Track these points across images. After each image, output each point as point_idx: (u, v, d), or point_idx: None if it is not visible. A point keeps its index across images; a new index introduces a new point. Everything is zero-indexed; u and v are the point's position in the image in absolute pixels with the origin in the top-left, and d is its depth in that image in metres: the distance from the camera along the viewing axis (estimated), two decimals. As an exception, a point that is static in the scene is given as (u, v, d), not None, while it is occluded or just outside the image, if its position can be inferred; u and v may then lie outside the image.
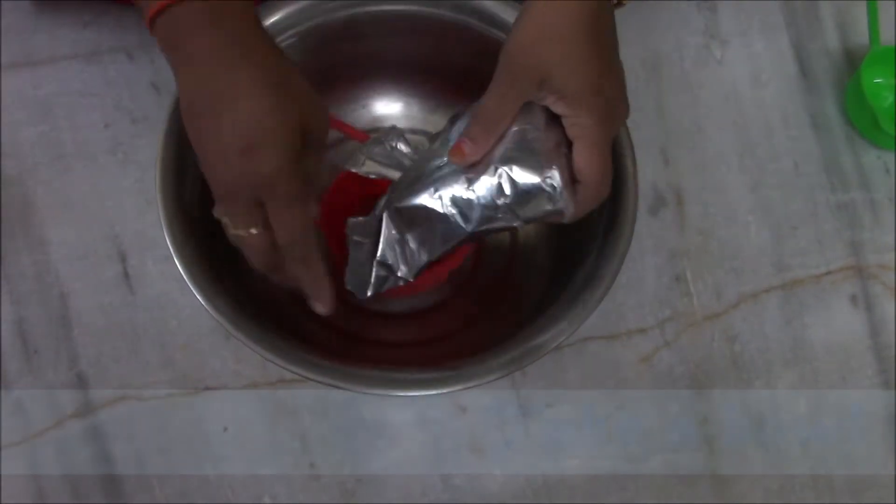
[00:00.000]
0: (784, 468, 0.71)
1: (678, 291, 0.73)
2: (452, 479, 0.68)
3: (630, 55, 0.75)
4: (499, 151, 0.51)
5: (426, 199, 0.53)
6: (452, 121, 0.55)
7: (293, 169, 0.47)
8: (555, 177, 0.50)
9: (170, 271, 0.68)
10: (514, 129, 0.51)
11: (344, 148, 0.66)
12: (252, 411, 0.67)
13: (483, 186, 0.51)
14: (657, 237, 0.73)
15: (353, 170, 0.56)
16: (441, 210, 0.53)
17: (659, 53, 0.77)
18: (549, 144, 0.50)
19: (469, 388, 0.54)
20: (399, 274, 0.54)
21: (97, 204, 0.69)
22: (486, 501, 0.68)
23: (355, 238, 0.56)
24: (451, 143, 0.52)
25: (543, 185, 0.50)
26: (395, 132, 0.57)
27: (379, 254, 0.54)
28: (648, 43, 0.77)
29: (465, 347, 0.62)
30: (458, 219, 0.52)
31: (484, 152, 0.52)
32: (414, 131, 0.69)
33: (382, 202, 0.55)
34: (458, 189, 0.52)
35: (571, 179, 0.51)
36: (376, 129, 0.70)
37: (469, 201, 0.52)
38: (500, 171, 0.51)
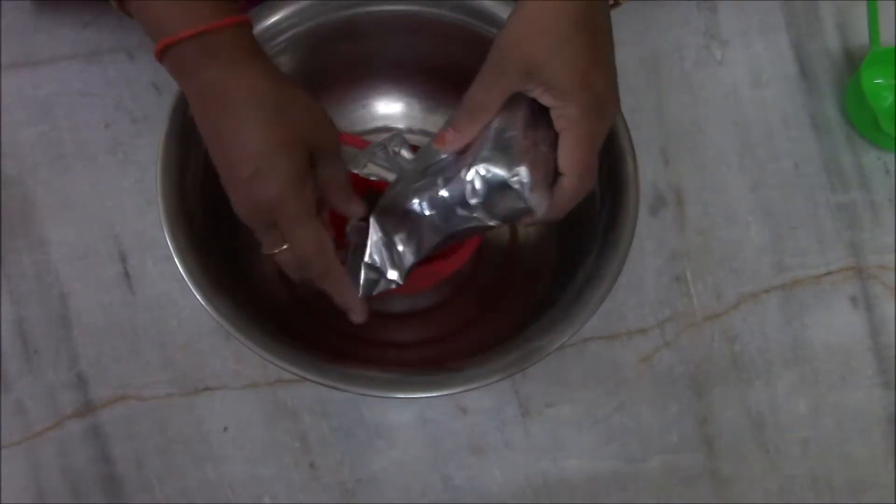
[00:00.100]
0: (784, 468, 0.71)
1: (678, 292, 0.73)
2: (452, 480, 0.68)
3: (630, 55, 0.75)
4: (474, 151, 0.51)
5: (409, 202, 0.54)
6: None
7: (298, 190, 0.49)
8: (522, 174, 0.49)
9: (170, 271, 0.68)
10: (494, 127, 0.51)
11: (345, 151, 0.66)
12: (252, 411, 0.67)
13: (457, 186, 0.51)
14: (657, 237, 0.73)
15: (355, 171, 0.56)
16: (419, 211, 0.53)
17: (659, 53, 0.77)
18: (526, 143, 0.50)
19: (471, 389, 0.54)
20: (389, 277, 0.54)
21: (97, 204, 0.69)
22: (486, 502, 0.68)
23: (352, 241, 0.56)
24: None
25: (510, 183, 0.50)
26: (398, 138, 0.57)
27: (366, 256, 0.54)
28: (648, 43, 0.77)
29: (466, 348, 0.62)
30: (436, 219, 0.53)
31: (466, 141, 0.52)
32: (413, 131, 0.70)
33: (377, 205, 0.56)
34: (437, 190, 0.52)
35: (548, 178, 0.50)
36: (377, 130, 0.70)
37: (444, 201, 0.52)
38: (473, 170, 0.51)
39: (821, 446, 0.71)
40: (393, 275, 0.54)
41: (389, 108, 0.70)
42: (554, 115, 0.50)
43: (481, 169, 0.50)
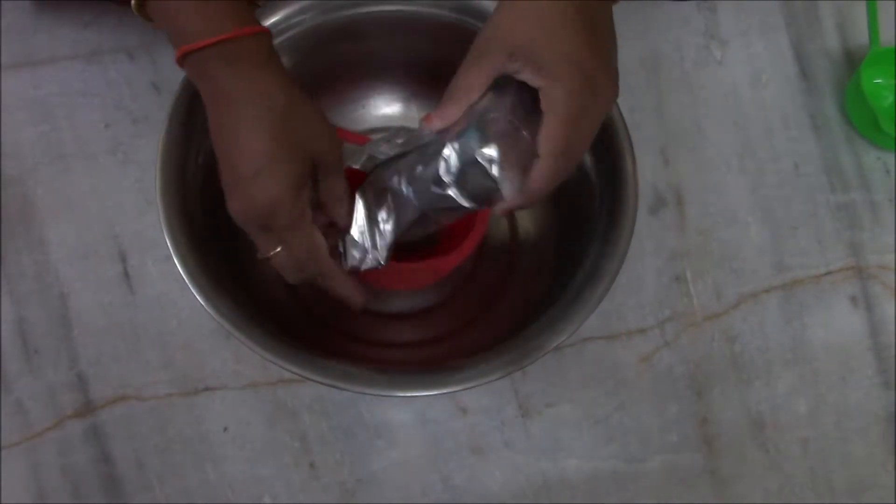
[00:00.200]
0: (784, 468, 0.71)
1: (678, 292, 0.73)
2: (452, 480, 0.68)
3: (630, 55, 0.75)
4: (455, 130, 0.51)
5: (390, 179, 0.54)
6: None
7: (294, 196, 0.50)
8: (492, 151, 0.49)
9: (170, 271, 0.68)
10: (480, 108, 0.50)
11: (346, 147, 0.66)
12: (252, 411, 0.67)
13: (433, 164, 0.51)
14: (657, 237, 0.73)
15: (355, 166, 0.56)
16: (398, 188, 0.53)
17: (659, 53, 0.77)
18: (506, 125, 0.49)
19: (469, 388, 0.55)
20: (372, 254, 0.55)
21: (97, 204, 0.69)
22: (486, 502, 0.68)
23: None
24: None
25: (479, 159, 0.49)
26: (403, 131, 0.57)
27: (351, 232, 0.55)
28: (648, 43, 0.77)
29: (466, 347, 0.62)
30: (413, 196, 0.53)
31: (449, 121, 0.51)
32: (398, 129, 0.69)
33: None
34: (415, 167, 0.53)
35: (522, 161, 0.49)
36: (376, 130, 0.70)
37: (421, 178, 0.52)
38: (449, 146, 0.51)
39: (820, 446, 0.71)
40: (376, 252, 0.54)
41: (389, 108, 0.70)
42: (541, 95, 0.49)
43: (456, 145, 0.50)
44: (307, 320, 0.67)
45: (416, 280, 0.57)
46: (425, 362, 0.64)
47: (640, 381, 0.71)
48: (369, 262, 0.55)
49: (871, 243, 0.75)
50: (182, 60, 0.49)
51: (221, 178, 0.51)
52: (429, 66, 0.67)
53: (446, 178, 0.51)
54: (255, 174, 0.49)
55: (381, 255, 0.55)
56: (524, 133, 0.50)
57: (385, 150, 0.55)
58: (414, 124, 0.70)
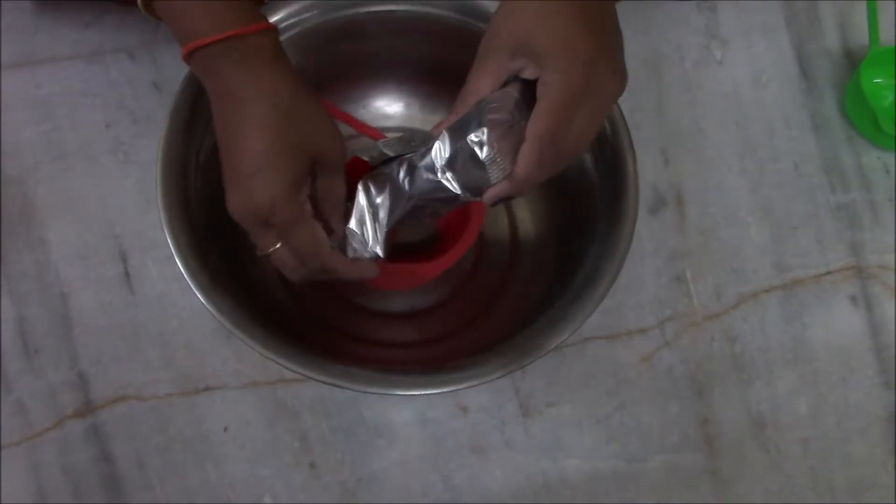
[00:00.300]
0: (784, 468, 0.71)
1: (678, 291, 0.73)
2: (453, 479, 0.68)
3: (630, 55, 0.75)
4: (454, 122, 0.51)
5: (391, 170, 0.54)
6: None
7: (291, 194, 0.50)
8: (483, 134, 0.48)
9: (170, 271, 0.68)
10: (482, 103, 0.50)
11: (362, 140, 0.66)
12: (252, 411, 0.67)
13: (429, 152, 0.51)
14: (657, 237, 0.73)
15: (365, 158, 0.56)
16: (395, 176, 0.53)
17: (659, 53, 0.77)
18: (500, 115, 0.49)
19: (470, 387, 0.55)
20: (370, 245, 0.54)
21: (98, 204, 0.69)
22: (487, 501, 0.68)
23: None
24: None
25: (468, 143, 0.49)
26: (419, 134, 0.57)
27: (350, 222, 0.54)
28: (649, 43, 0.77)
29: (466, 347, 0.62)
30: (406, 184, 0.53)
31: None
32: (413, 132, 0.70)
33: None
34: (414, 158, 0.53)
35: (515, 149, 0.49)
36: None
37: (415, 167, 0.52)
38: (445, 132, 0.51)
39: (821, 446, 0.71)
40: (376, 244, 0.54)
41: (390, 109, 0.70)
42: (537, 85, 0.48)
43: (451, 131, 0.50)
44: (308, 320, 0.67)
45: (405, 281, 0.56)
46: (426, 362, 0.64)
47: (641, 381, 0.71)
48: (368, 254, 0.55)
49: (871, 243, 0.75)
50: (189, 57, 0.49)
51: (223, 175, 0.51)
52: (430, 66, 0.67)
53: (438, 163, 0.51)
54: (255, 173, 0.49)
55: (380, 248, 0.54)
56: (523, 124, 0.49)
57: (398, 149, 0.54)
58: (415, 124, 0.70)
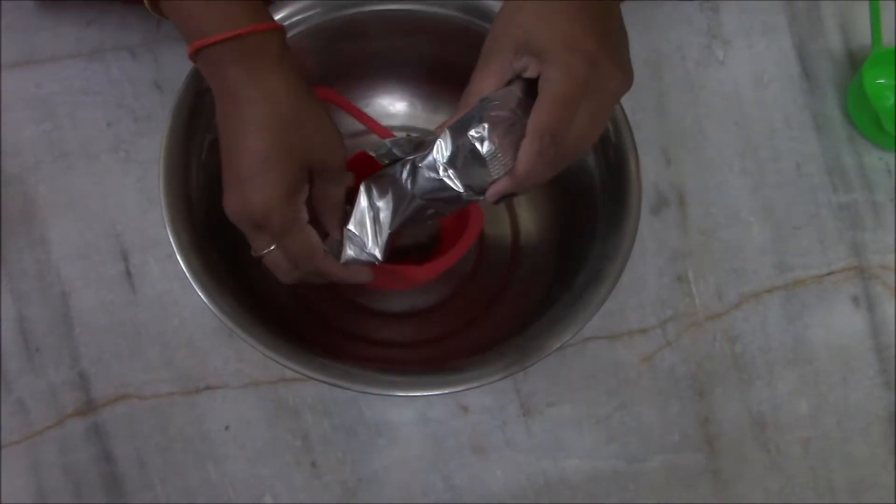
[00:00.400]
0: (785, 468, 0.71)
1: (680, 291, 0.73)
2: (453, 479, 0.68)
3: (632, 55, 0.75)
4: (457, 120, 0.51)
5: (396, 171, 0.53)
6: None
7: (286, 201, 0.50)
8: (483, 129, 0.48)
9: (172, 270, 0.68)
10: (485, 101, 0.49)
11: (369, 138, 0.66)
12: (253, 410, 0.67)
13: (432, 151, 0.51)
14: (659, 237, 0.73)
15: (372, 154, 0.56)
16: (398, 177, 0.53)
17: (661, 53, 0.77)
18: (502, 112, 0.48)
19: (471, 388, 0.54)
20: (369, 249, 0.54)
21: (99, 202, 0.69)
22: (487, 501, 0.68)
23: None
24: None
25: (469, 140, 0.48)
26: (429, 136, 0.57)
27: (349, 224, 0.54)
28: (650, 43, 0.77)
29: (467, 348, 0.62)
30: (409, 185, 0.52)
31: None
32: (417, 131, 0.69)
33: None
34: (417, 158, 0.52)
35: (515, 145, 0.48)
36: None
37: (417, 167, 0.52)
38: (446, 129, 0.50)
39: (821, 446, 0.72)
40: (375, 248, 0.54)
41: (391, 108, 0.70)
42: (539, 81, 0.48)
43: (452, 129, 0.50)
44: (308, 319, 0.67)
45: (405, 281, 0.56)
46: (426, 362, 0.64)
47: (642, 381, 0.71)
48: (365, 258, 0.55)
49: (872, 243, 0.75)
50: (195, 56, 0.49)
51: (223, 175, 0.51)
52: (433, 65, 0.67)
53: (439, 161, 0.50)
54: (251, 176, 0.49)
55: (379, 251, 0.54)
56: (525, 122, 0.49)
57: (408, 150, 0.54)
58: (418, 123, 0.70)
